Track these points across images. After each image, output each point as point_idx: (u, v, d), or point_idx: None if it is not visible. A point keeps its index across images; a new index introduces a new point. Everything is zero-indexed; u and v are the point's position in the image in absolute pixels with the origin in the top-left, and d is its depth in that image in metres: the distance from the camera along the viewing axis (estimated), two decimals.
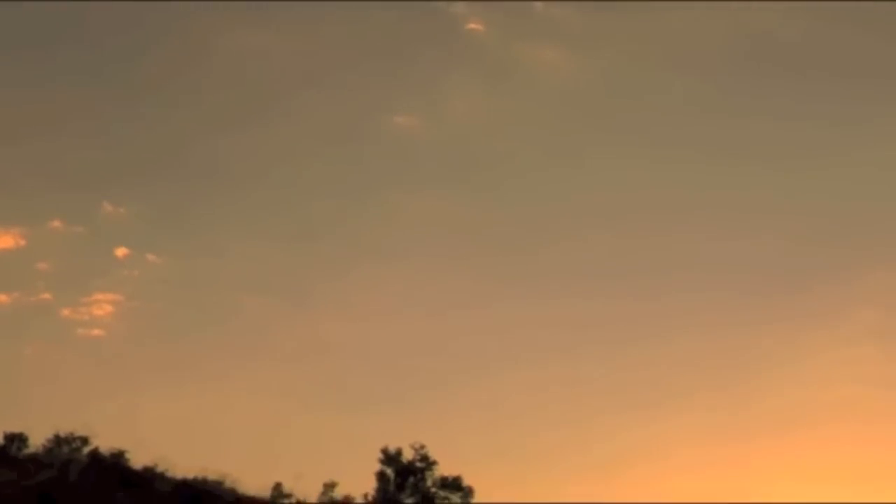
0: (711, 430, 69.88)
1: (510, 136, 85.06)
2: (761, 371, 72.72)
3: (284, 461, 56.79)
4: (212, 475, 41.45)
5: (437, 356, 73.09)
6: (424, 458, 46.92)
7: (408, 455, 47.00)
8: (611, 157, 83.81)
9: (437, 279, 78.99)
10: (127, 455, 40.85)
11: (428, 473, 46.82)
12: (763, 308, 75.90)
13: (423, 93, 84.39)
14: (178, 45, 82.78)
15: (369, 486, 46.67)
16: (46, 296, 71.66)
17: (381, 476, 46.83)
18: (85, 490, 36.70)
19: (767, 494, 60.70)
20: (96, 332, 71.69)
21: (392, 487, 46.50)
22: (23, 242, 72.62)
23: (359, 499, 46.20)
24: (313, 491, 45.28)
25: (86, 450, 41.67)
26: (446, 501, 46.44)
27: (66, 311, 71.51)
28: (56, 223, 73.81)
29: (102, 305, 71.35)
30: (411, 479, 46.65)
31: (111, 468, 39.43)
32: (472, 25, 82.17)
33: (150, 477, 39.84)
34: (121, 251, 73.03)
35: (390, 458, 46.97)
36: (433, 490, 46.61)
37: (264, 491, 43.91)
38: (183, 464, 41.18)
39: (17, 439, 41.83)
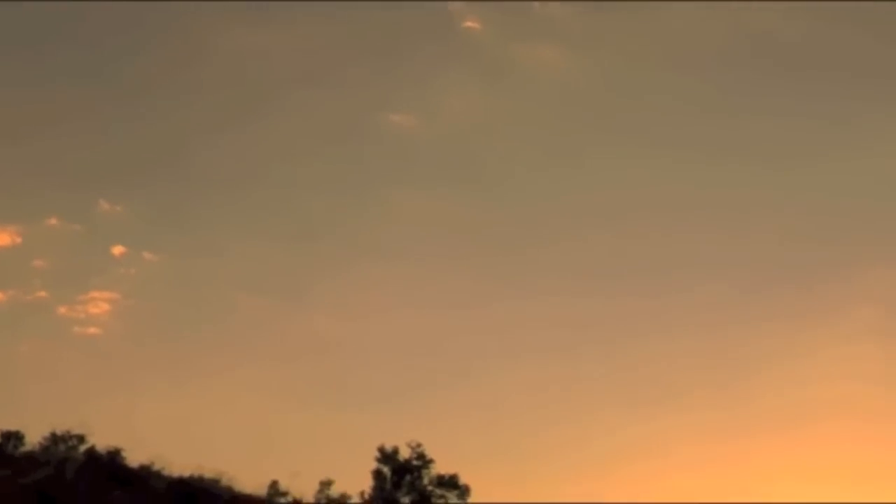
0: (710, 428, 70.05)
1: (507, 135, 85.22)
2: (760, 369, 72.94)
3: (281, 459, 56.78)
4: (208, 473, 41.42)
5: (434, 354, 73.28)
6: (421, 457, 46.96)
7: (404, 453, 47.08)
8: (608, 156, 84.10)
9: (433, 278, 79.13)
10: (123, 453, 40.85)
11: (424, 472, 46.86)
12: (762, 306, 76.17)
13: (420, 91, 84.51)
14: (175, 44, 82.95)
15: (366, 484, 46.78)
16: (43, 294, 71.77)
17: (378, 474, 46.86)
18: (81, 488, 36.65)
19: (766, 492, 60.90)
20: (93, 330, 71.77)
21: (388, 486, 46.53)
22: (19, 240, 72.73)
23: (355, 497, 46.27)
24: (310, 489, 45.37)
25: (82, 448, 41.61)
26: (443, 500, 46.49)
27: (62, 309, 71.62)
28: (53, 221, 73.96)
29: (99, 304, 71.43)
30: (408, 478, 46.68)
31: (107, 466, 39.39)
32: (469, 24, 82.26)
33: (146, 475, 39.81)
34: (117, 249, 73.12)
35: (387, 456, 47.00)
36: (430, 488, 46.64)
37: (261, 489, 43.92)
38: (179, 462, 41.22)
39: (13, 437, 41.81)
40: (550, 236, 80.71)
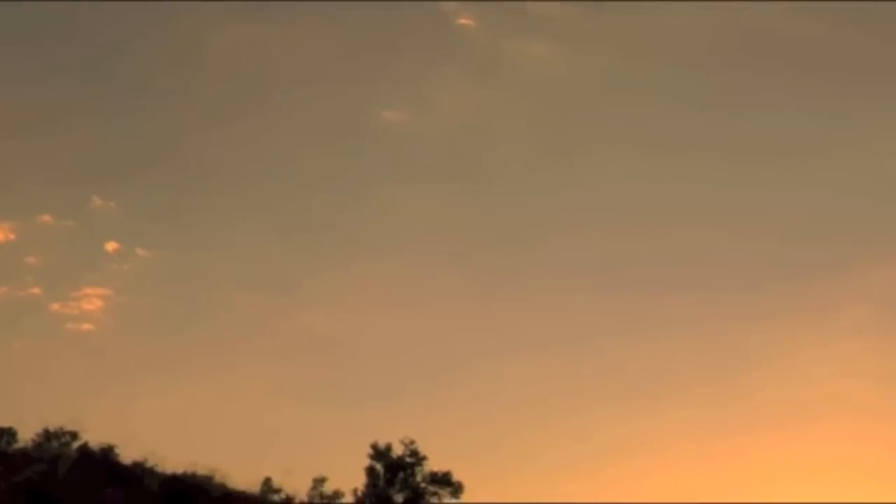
0: (705, 426, 70.07)
1: (501, 132, 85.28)
2: (755, 366, 73.11)
3: (274, 456, 56.89)
4: (201, 470, 41.37)
5: (427, 351, 73.28)
6: (414, 454, 46.99)
7: (397, 450, 47.12)
8: (602, 153, 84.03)
9: (427, 274, 79.18)
10: (117, 450, 40.76)
11: (418, 469, 46.89)
12: (757, 303, 76.21)
13: (413, 88, 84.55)
14: (168, 41, 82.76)
15: (359, 481, 46.81)
16: (36, 290, 71.60)
17: (371, 471, 46.88)
18: (74, 485, 36.61)
19: (762, 489, 60.96)
20: (86, 326, 71.65)
21: (382, 483, 46.55)
22: (12, 236, 72.52)
23: (348, 494, 46.27)
24: (303, 486, 45.39)
25: (75, 445, 41.49)
26: (436, 497, 46.53)
27: (55, 306, 71.45)
28: (46, 217, 73.73)
29: (92, 300, 71.31)
30: (401, 475, 46.70)
31: (100, 463, 39.32)
32: (463, 21, 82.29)
33: (139, 472, 39.75)
34: (111, 245, 73.02)
35: (380, 453, 47.02)
36: (423, 485, 46.67)
37: (254, 486, 43.89)
38: (172, 459, 41.12)
39: (5, 434, 41.67)
40: (545, 232, 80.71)
